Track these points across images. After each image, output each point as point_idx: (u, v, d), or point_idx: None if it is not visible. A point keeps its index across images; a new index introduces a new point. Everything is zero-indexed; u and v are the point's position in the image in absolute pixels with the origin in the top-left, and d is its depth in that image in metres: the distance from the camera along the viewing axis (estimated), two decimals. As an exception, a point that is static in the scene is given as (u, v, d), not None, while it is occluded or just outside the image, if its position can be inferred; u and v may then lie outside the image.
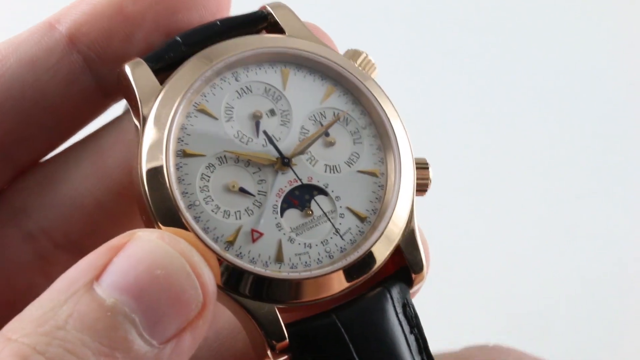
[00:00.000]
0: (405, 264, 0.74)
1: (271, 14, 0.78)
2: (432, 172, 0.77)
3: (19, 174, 0.79)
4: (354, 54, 0.78)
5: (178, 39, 0.75)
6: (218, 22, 0.76)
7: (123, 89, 0.75)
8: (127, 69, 0.73)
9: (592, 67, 1.64)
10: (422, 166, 0.77)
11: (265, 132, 0.74)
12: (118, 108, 0.81)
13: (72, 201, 0.78)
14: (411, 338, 0.72)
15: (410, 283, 0.74)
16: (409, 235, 0.74)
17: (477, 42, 1.65)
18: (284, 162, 0.73)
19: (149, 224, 0.70)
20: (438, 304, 1.29)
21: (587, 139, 1.60)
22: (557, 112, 1.62)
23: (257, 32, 0.78)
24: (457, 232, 1.49)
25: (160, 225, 0.69)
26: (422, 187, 0.76)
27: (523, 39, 1.65)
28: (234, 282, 0.70)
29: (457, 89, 1.61)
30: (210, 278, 0.65)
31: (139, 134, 0.72)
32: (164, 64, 0.74)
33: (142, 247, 0.63)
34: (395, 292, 0.73)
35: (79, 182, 0.78)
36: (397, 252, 0.74)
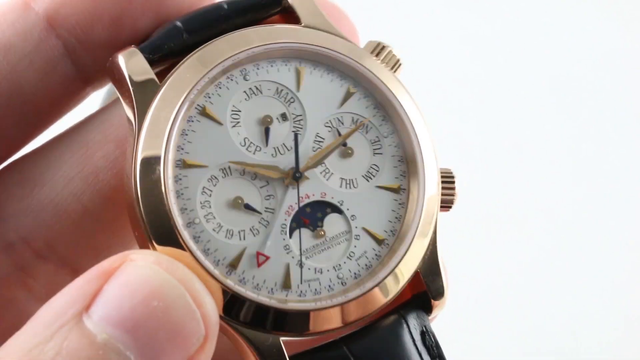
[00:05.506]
0: (424, 289, 0.68)
1: None
2: (458, 185, 0.69)
3: None
4: (376, 48, 0.70)
5: (179, 24, 0.66)
6: (225, 5, 0.67)
7: (115, 82, 0.66)
8: (121, 59, 0.65)
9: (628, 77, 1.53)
10: (447, 179, 0.69)
11: (296, 135, 0.66)
12: (99, 95, 0.72)
13: (55, 206, 0.71)
14: None
15: (428, 309, 0.68)
16: (430, 260, 0.67)
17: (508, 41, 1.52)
18: (295, 177, 0.66)
19: (142, 241, 0.63)
20: (459, 330, 1.22)
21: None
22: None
23: (269, 17, 0.69)
24: (474, 250, 1.39)
25: (154, 244, 0.62)
26: (447, 203, 0.69)
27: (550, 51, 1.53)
28: (235, 310, 0.63)
29: (488, 88, 1.48)
30: (213, 308, 0.59)
31: (132, 132, 0.64)
32: (163, 54, 0.66)
33: (136, 273, 0.57)
34: (412, 319, 0.67)
35: (62, 185, 0.71)
36: (416, 276, 0.67)
